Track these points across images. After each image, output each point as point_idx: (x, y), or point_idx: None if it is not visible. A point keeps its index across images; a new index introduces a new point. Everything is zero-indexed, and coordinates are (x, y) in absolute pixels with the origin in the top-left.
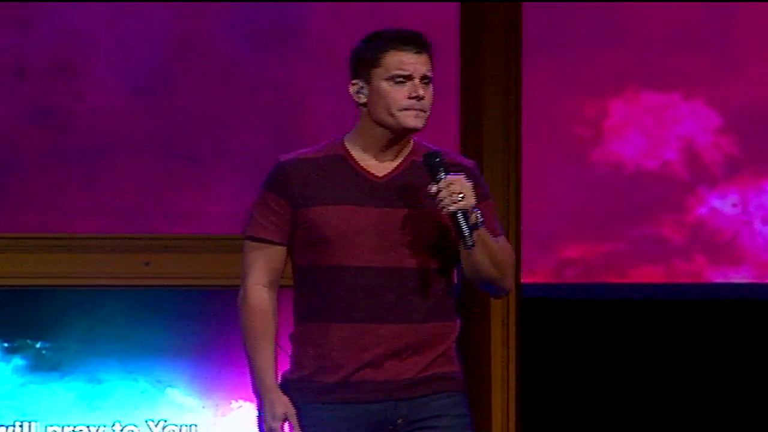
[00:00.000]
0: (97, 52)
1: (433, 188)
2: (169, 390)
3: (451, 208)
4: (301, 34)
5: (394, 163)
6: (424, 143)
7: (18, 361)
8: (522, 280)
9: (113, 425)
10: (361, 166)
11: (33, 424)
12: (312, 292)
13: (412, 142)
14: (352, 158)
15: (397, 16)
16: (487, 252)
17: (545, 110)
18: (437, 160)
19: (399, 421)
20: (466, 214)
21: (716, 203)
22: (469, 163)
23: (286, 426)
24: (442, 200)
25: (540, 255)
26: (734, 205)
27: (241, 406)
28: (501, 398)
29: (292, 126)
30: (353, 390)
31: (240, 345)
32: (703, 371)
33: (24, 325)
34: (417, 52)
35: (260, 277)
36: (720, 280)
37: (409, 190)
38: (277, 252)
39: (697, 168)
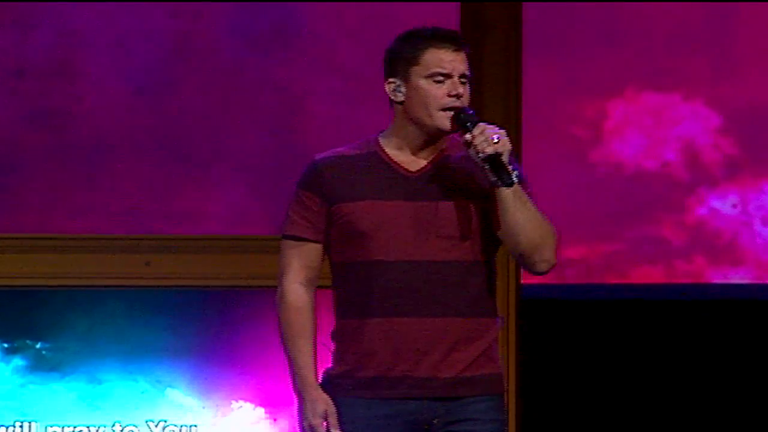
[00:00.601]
0: (96, 52)
1: (467, 136)
2: (169, 390)
3: (488, 150)
4: (300, 34)
5: (427, 159)
6: (457, 137)
7: (18, 361)
8: (522, 281)
9: (113, 425)
10: (395, 162)
11: (33, 424)
12: (350, 288)
13: (445, 139)
14: (386, 154)
15: (398, 16)
16: (527, 212)
17: (545, 111)
18: (468, 113)
19: (435, 421)
20: (502, 156)
21: (716, 204)
22: None
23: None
24: (477, 146)
25: None
26: (734, 206)
27: (241, 407)
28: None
29: (291, 127)
30: (392, 386)
31: (240, 346)
32: (704, 372)
33: (24, 326)
34: (456, 50)
35: (297, 275)
36: (720, 280)
37: (443, 183)
38: (314, 250)
39: (697, 168)
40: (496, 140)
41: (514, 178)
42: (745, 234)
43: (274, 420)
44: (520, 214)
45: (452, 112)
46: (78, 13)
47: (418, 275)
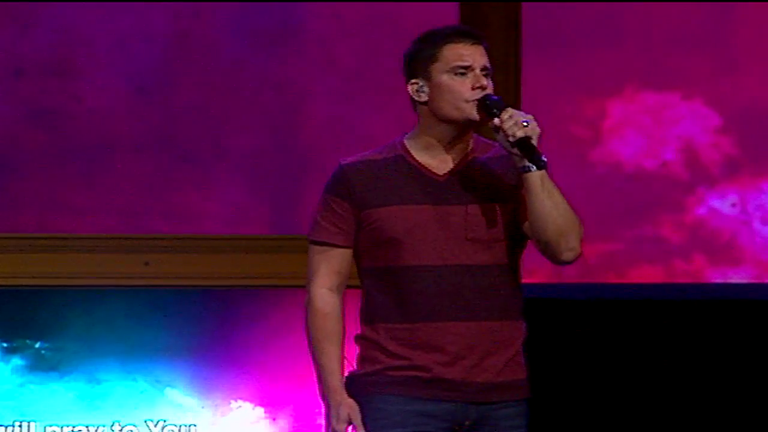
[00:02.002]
0: (95, 51)
1: (496, 121)
2: (168, 390)
3: (519, 133)
4: (300, 34)
5: (455, 161)
6: (483, 139)
7: (17, 361)
8: (521, 280)
9: (112, 425)
10: (422, 165)
11: (32, 424)
12: (381, 294)
13: (471, 140)
14: (412, 157)
15: (397, 16)
16: (554, 200)
17: (544, 110)
18: (494, 99)
19: (466, 423)
20: (531, 140)
21: (715, 203)
22: None
23: (350, 428)
24: (506, 130)
25: (539, 255)
26: (733, 205)
27: (240, 406)
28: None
29: (291, 126)
30: (427, 387)
31: (239, 345)
32: (703, 371)
33: (23, 325)
34: (474, 44)
35: (325, 280)
36: (719, 280)
37: (471, 186)
38: (342, 255)
39: (696, 168)
40: (525, 123)
41: (544, 159)
42: (745, 233)
43: (273, 419)
44: (549, 200)
45: (479, 100)
46: (77, 12)
47: (450, 279)
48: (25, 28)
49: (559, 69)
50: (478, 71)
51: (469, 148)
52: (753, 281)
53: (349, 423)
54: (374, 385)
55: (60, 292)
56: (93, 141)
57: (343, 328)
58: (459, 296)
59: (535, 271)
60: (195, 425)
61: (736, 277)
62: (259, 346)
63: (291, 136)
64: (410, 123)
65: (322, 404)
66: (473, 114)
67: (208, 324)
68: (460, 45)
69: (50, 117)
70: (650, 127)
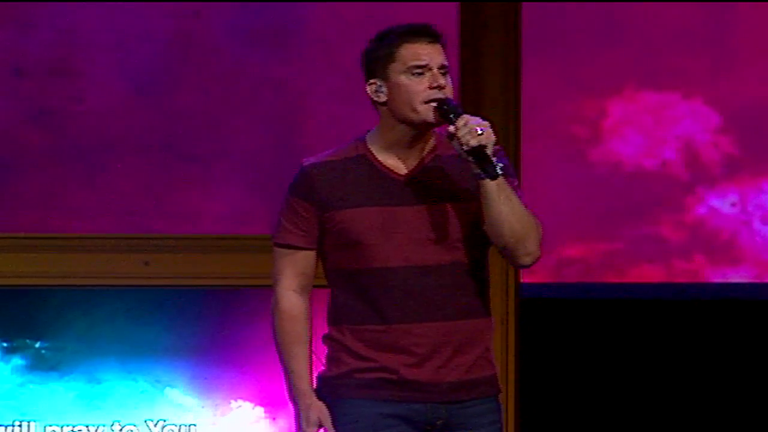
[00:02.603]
0: (95, 51)
1: (451, 128)
2: (168, 390)
3: (472, 142)
4: (301, 34)
5: (417, 160)
6: (442, 134)
7: (17, 360)
8: (521, 280)
9: (112, 425)
10: (384, 165)
11: (32, 423)
12: (347, 295)
13: (434, 137)
14: (375, 158)
15: (397, 16)
16: (510, 205)
17: (544, 110)
18: (451, 105)
19: (438, 423)
20: (486, 148)
21: (715, 203)
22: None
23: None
24: (460, 138)
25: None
26: (733, 205)
27: (240, 406)
28: (500, 398)
29: (291, 126)
30: (395, 389)
31: (239, 345)
32: (702, 371)
33: (23, 325)
34: (430, 42)
35: (290, 282)
36: (719, 279)
37: (434, 186)
38: (306, 257)
39: (696, 167)
40: (480, 132)
41: (499, 171)
42: (744, 233)
43: (273, 419)
44: (504, 207)
45: (436, 104)
46: (77, 12)
47: (415, 280)
48: (26, 28)
49: (559, 69)
50: (435, 70)
51: (432, 145)
52: (753, 281)
53: (319, 426)
54: (343, 388)
55: (60, 292)
56: (93, 141)
57: (311, 329)
58: (424, 297)
59: (534, 270)
60: (195, 425)
61: (736, 277)
62: (259, 346)
63: (291, 136)
64: None
65: (292, 407)
66: (429, 116)
67: (209, 324)
68: (417, 44)
69: (50, 117)
70: (650, 127)
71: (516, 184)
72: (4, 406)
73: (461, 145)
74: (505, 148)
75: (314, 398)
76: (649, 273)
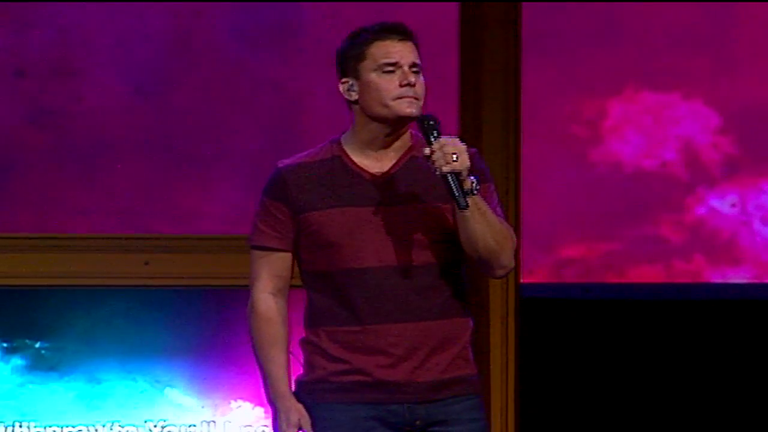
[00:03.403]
0: (95, 51)
1: (427, 150)
2: (168, 390)
3: (444, 168)
4: (300, 34)
5: (392, 161)
6: (420, 135)
7: (17, 361)
8: (521, 280)
9: (112, 425)
10: (359, 166)
11: (32, 424)
12: (322, 298)
13: (410, 137)
14: (349, 158)
15: (397, 15)
16: (485, 222)
17: (544, 110)
18: (431, 123)
19: (417, 423)
20: (460, 175)
21: (715, 203)
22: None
23: None
24: (435, 161)
25: (539, 255)
26: (733, 205)
27: (240, 406)
28: (500, 398)
29: (290, 126)
30: (372, 391)
31: (239, 345)
32: (702, 371)
33: (23, 325)
34: (401, 40)
35: (266, 285)
36: (719, 280)
37: (409, 186)
38: (282, 259)
39: (696, 168)
40: (454, 159)
41: (466, 202)
42: (744, 233)
43: None
44: (479, 225)
45: (407, 99)
46: (77, 12)
47: (389, 281)
48: (26, 28)
49: (558, 69)
50: (406, 68)
51: (408, 145)
52: (753, 281)
53: (298, 427)
54: (320, 392)
55: (60, 292)
56: (93, 141)
57: (288, 331)
58: (399, 298)
59: (534, 270)
60: (195, 425)
61: (736, 277)
62: None
63: (291, 136)
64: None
65: (270, 409)
66: (402, 110)
67: (208, 324)
68: (387, 42)
69: (50, 117)
70: (650, 127)
71: (492, 189)
72: (4, 406)
73: (435, 168)
74: (505, 148)
75: (294, 400)
76: (649, 273)
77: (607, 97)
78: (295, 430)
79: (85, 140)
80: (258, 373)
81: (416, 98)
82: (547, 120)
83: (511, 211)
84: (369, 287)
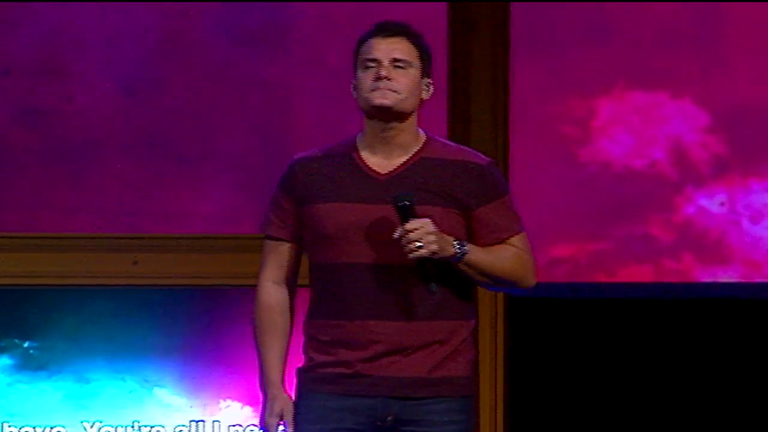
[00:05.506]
0: (84, 51)
1: (396, 234)
2: (156, 389)
3: (410, 256)
4: (290, 33)
5: (400, 161)
6: (438, 139)
7: (5, 360)
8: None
9: (101, 425)
10: (366, 164)
11: (20, 423)
12: (319, 289)
13: (423, 138)
14: (359, 155)
15: (386, 16)
16: (484, 272)
17: (533, 110)
18: (400, 205)
19: (388, 418)
20: (428, 260)
21: (704, 202)
22: (481, 160)
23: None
24: (404, 244)
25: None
26: (722, 205)
27: (229, 406)
28: (489, 397)
29: (280, 126)
30: (350, 383)
31: (228, 345)
32: (691, 370)
33: (11, 325)
34: (386, 37)
35: (270, 274)
36: (708, 279)
37: (414, 187)
38: (288, 249)
39: (685, 167)
40: (418, 246)
41: (432, 289)
42: (733, 233)
43: None
44: (482, 276)
45: (379, 91)
46: (66, 11)
47: (380, 278)
48: (14, 27)
49: (548, 68)
50: (385, 62)
51: (418, 146)
52: (742, 280)
53: (281, 418)
54: (307, 381)
55: (48, 292)
56: (82, 140)
57: (289, 321)
58: (387, 295)
59: None
60: (184, 425)
61: (725, 276)
62: (248, 345)
63: (280, 136)
64: None
65: (260, 395)
66: (373, 100)
67: (197, 323)
68: (372, 40)
69: (39, 116)
70: (639, 127)
71: (504, 202)
72: None
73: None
74: (494, 148)
75: (281, 390)
76: (638, 272)
77: (596, 97)
78: (276, 419)
79: (73, 140)
80: (245, 372)
81: (392, 90)
82: (536, 119)
83: None
84: (360, 283)
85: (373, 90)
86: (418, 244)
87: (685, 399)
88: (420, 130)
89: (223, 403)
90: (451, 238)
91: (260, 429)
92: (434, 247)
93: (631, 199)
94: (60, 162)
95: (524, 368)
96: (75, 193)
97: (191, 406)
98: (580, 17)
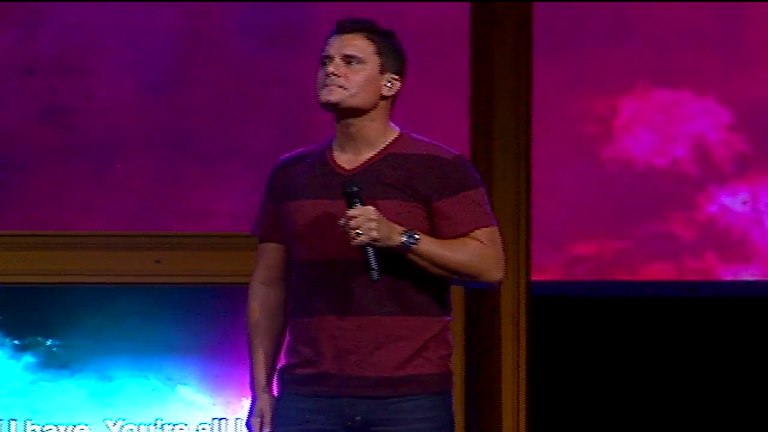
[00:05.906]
0: (106, 49)
1: (340, 222)
2: (179, 387)
3: (352, 243)
4: (311, 31)
5: (367, 156)
6: (412, 135)
7: (28, 358)
8: (532, 278)
9: (124, 423)
10: (335, 161)
11: (44, 421)
12: (294, 287)
13: (395, 134)
14: (330, 154)
15: (408, 14)
16: (437, 263)
17: (555, 108)
18: (348, 191)
19: (357, 418)
20: (369, 247)
21: (726, 201)
22: (447, 154)
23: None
24: (347, 231)
25: (550, 252)
26: (744, 203)
27: None
28: (511, 396)
29: (301, 124)
30: (318, 383)
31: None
32: (713, 369)
33: (34, 323)
34: (341, 33)
35: (260, 274)
36: (730, 277)
37: (376, 183)
38: (273, 249)
39: (708, 165)
40: (358, 234)
41: (374, 277)
42: (756, 231)
43: None
44: (433, 269)
45: (327, 87)
46: (87, 10)
47: (340, 275)
48: (36, 26)
49: (570, 67)
50: (337, 59)
51: (387, 142)
52: (764, 279)
53: (261, 417)
54: (282, 383)
55: (71, 290)
56: (104, 139)
57: (277, 321)
58: (350, 292)
59: (546, 268)
60: (207, 422)
61: (747, 275)
62: None
63: (301, 134)
64: (413, 121)
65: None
66: (321, 98)
67: (220, 321)
68: (331, 38)
69: (61, 115)
70: (661, 125)
71: (470, 196)
72: (16, 403)
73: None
74: (516, 146)
75: (265, 391)
76: (660, 271)
77: (619, 95)
78: (257, 419)
79: (96, 138)
80: None
81: (340, 87)
82: (559, 118)
83: (522, 209)
84: (317, 280)
85: (322, 87)
86: (359, 231)
87: (709, 397)
88: (394, 126)
89: (245, 401)
90: (399, 228)
91: (246, 428)
92: (374, 234)
93: (653, 197)
94: (82, 160)
95: (546, 366)
96: (97, 191)
97: (214, 404)
98: (602, 16)
